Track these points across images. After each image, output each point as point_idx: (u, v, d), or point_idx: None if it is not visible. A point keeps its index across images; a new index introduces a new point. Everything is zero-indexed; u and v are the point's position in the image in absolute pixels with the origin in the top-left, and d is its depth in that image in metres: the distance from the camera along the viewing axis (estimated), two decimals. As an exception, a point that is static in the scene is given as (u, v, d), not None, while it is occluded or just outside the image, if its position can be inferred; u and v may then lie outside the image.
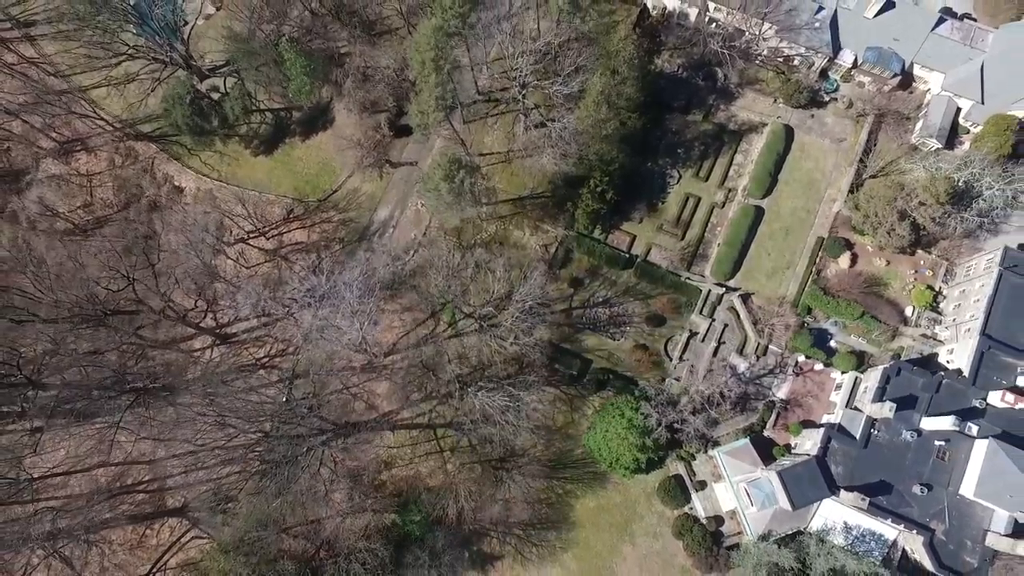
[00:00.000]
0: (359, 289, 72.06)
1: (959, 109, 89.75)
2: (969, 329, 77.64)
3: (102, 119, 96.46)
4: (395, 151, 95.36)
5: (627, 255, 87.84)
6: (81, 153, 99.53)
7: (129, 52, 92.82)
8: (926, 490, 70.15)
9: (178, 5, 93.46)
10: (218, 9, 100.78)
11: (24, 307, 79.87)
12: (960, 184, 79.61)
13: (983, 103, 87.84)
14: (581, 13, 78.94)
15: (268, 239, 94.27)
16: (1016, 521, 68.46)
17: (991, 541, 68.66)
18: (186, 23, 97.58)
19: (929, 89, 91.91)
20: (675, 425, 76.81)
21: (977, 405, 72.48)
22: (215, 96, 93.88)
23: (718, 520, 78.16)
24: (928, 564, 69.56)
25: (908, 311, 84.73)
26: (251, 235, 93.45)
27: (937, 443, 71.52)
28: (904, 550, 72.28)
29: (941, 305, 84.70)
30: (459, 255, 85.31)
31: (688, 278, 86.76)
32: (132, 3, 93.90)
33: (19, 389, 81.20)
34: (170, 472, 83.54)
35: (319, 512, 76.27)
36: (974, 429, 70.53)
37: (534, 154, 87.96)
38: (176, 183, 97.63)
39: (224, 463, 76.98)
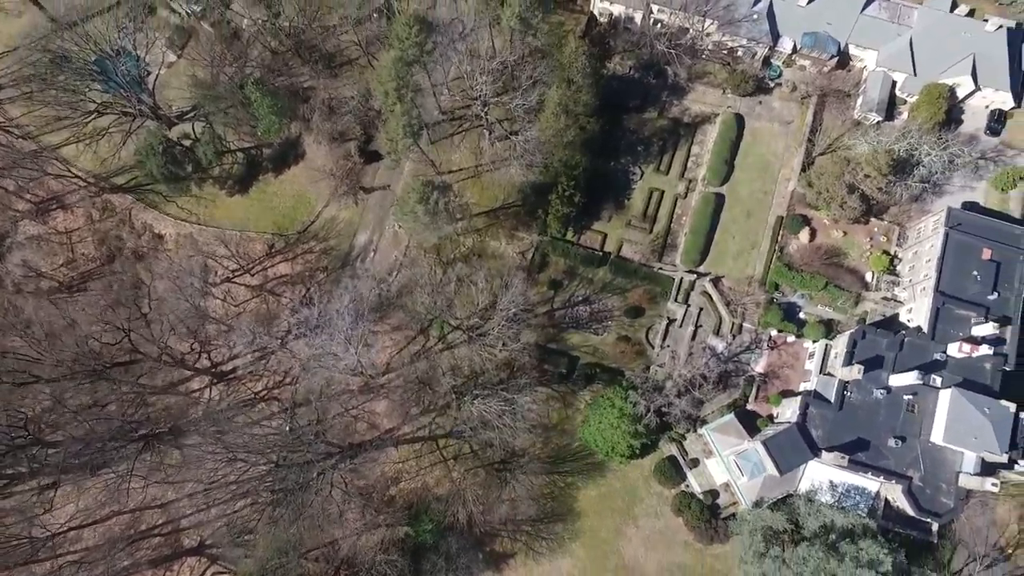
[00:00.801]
0: (350, 315, 75.07)
1: (894, 82, 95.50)
2: (924, 288, 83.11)
3: (76, 176, 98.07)
4: (367, 177, 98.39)
5: (600, 253, 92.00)
6: (58, 211, 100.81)
7: (97, 108, 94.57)
8: (900, 442, 75.26)
9: (141, 58, 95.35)
10: (179, 57, 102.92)
11: (24, 369, 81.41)
12: (901, 154, 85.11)
13: (915, 75, 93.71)
14: (532, 30, 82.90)
15: (253, 275, 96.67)
16: (983, 460, 73.82)
17: (963, 481, 74.04)
18: (149, 74, 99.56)
19: (865, 66, 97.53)
20: (663, 409, 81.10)
21: (938, 358, 77.81)
22: (186, 143, 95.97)
23: (713, 494, 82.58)
24: (909, 509, 74.72)
25: (868, 277, 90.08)
26: (236, 274, 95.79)
27: (906, 397, 76.69)
28: (887, 499, 77.35)
29: (897, 268, 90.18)
30: (441, 271, 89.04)
31: (660, 268, 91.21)
32: (93, 60, 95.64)
33: (25, 450, 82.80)
34: (183, 512, 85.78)
35: (335, 533, 79.17)
36: (938, 380, 75.87)
37: (501, 167, 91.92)
38: (156, 231, 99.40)
39: (237, 497, 79.45)
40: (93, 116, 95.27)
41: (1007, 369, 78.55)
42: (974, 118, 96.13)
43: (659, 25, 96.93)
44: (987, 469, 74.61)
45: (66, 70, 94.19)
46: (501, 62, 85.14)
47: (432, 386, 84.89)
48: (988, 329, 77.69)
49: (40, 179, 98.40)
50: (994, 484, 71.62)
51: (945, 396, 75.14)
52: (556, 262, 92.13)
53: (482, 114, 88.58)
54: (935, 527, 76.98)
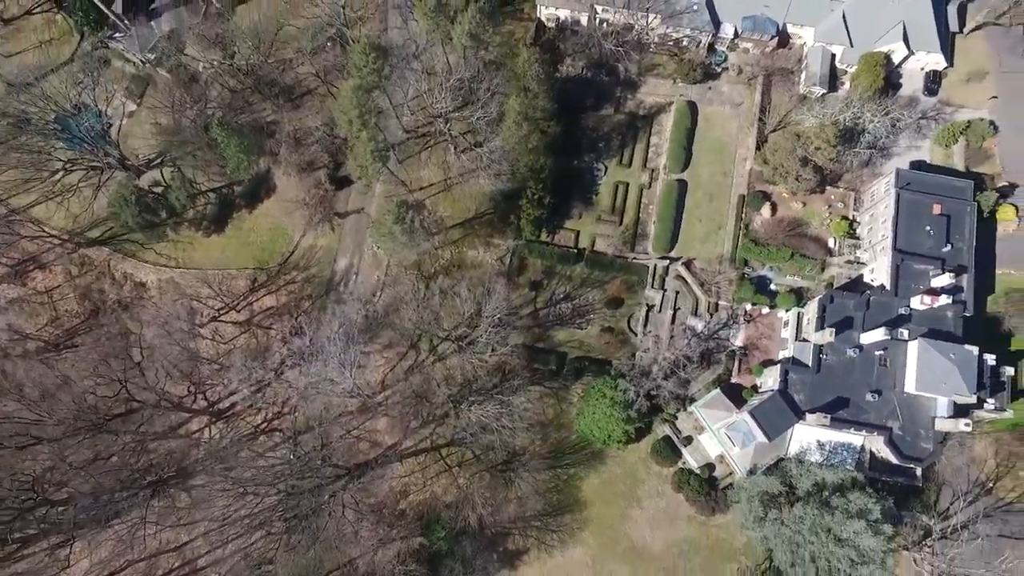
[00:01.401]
0: (341, 340, 77.17)
1: (834, 55, 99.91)
2: (883, 247, 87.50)
3: (51, 235, 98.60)
4: (340, 202, 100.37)
5: (575, 250, 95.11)
6: (36, 272, 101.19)
7: (64, 166, 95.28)
8: (877, 395, 79.37)
9: (103, 111, 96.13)
10: (139, 106, 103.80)
11: (25, 431, 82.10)
12: (846, 123, 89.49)
13: (852, 46, 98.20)
14: (484, 44, 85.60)
15: (239, 312, 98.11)
16: (955, 403, 78.30)
17: (939, 425, 78.40)
18: (111, 125, 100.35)
19: (805, 43, 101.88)
20: (652, 393, 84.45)
21: (903, 312, 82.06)
22: (158, 189, 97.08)
23: (710, 467, 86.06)
24: (893, 458, 78.96)
25: (831, 243, 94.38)
26: (222, 312, 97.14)
27: (877, 353, 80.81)
28: (871, 451, 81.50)
29: (857, 231, 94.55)
30: (423, 286, 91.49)
31: (634, 258, 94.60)
32: (54, 119, 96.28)
33: (34, 511, 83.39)
34: (200, 552, 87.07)
35: (352, 552, 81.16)
36: (905, 334, 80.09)
37: (470, 178, 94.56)
38: (137, 279, 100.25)
39: (251, 530, 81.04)
40: (61, 174, 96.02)
41: (967, 315, 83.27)
42: (912, 81, 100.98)
43: (605, 24, 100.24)
44: (960, 411, 78.99)
45: (28, 131, 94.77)
46: (458, 78, 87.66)
47: (428, 398, 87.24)
48: (946, 280, 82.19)
49: (14, 242, 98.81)
50: (967, 424, 76.04)
51: (913, 347, 79.45)
52: (534, 264, 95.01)
53: (445, 130, 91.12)
54: (919, 471, 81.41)
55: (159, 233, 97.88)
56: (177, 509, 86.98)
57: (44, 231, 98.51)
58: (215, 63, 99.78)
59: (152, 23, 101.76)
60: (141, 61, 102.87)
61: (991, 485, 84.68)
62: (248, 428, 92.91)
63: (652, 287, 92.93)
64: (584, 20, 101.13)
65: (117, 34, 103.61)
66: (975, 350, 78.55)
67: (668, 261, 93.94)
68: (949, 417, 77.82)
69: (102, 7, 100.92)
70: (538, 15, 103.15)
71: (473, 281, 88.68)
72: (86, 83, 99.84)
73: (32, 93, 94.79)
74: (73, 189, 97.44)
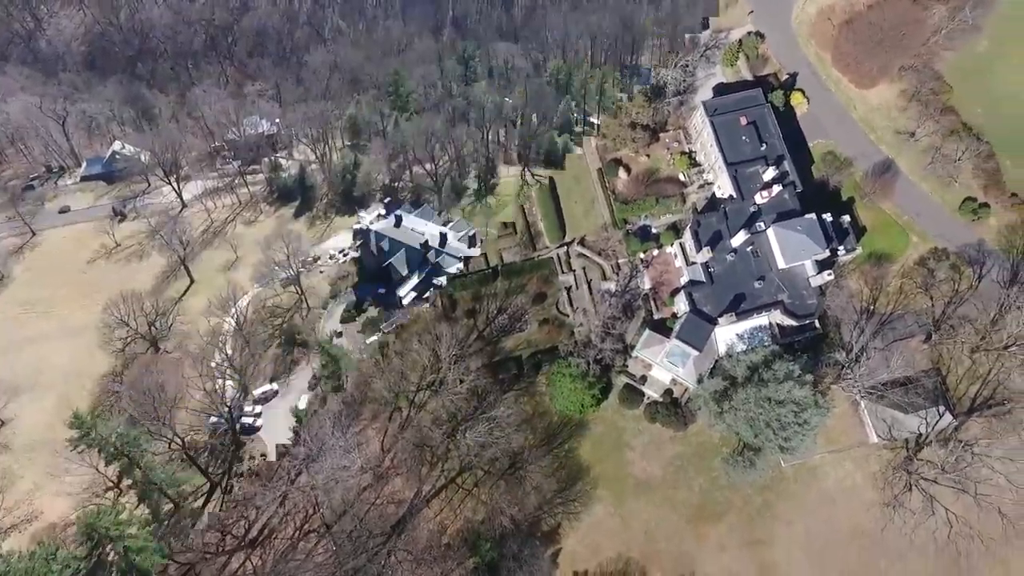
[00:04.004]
0: (339, 431, 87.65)
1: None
2: (719, 166, 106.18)
3: None
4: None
5: (489, 270, 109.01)
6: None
7: None
8: (762, 281, 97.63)
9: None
10: None
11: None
12: (650, 85, 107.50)
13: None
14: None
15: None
16: (817, 262, 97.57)
17: (814, 283, 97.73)
18: None
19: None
20: (599, 357, 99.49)
21: (753, 210, 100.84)
22: None
23: (669, 393, 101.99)
24: (794, 322, 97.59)
25: (681, 177, 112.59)
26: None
27: (748, 249, 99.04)
28: (777, 325, 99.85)
29: (697, 159, 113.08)
30: (380, 356, 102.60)
31: (539, 255, 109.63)
32: None
33: None
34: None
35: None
36: (761, 226, 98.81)
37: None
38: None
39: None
40: None
41: (800, 191, 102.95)
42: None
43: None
44: (825, 265, 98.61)
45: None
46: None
47: (427, 443, 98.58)
48: (772, 172, 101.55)
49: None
50: (829, 274, 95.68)
51: (771, 234, 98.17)
52: (462, 296, 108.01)
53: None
54: (816, 323, 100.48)
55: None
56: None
57: None
58: None
59: None
60: None
61: (871, 308, 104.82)
62: (284, 543, 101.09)
63: (563, 272, 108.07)
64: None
65: None
66: (813, 216, 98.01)
67: (566, 246, 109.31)
68: (818, 274, 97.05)
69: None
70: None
71: (420, 334, 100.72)
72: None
73: None
74: None
